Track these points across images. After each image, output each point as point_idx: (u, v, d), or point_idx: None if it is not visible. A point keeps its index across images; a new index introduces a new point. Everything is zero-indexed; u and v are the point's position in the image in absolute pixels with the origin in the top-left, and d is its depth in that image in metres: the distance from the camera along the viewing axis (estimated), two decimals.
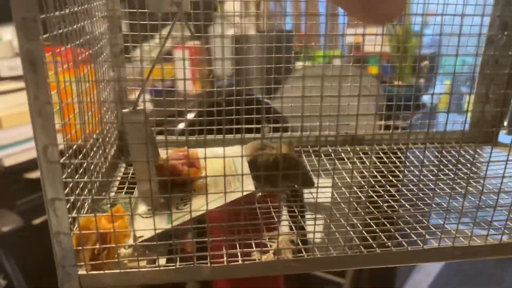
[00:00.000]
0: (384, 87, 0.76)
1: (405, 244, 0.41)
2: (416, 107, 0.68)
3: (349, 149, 0.63)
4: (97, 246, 0.36)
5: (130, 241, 0.39)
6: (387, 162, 0.59)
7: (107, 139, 0.52)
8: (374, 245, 0.41)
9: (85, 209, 0.41)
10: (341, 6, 0.27)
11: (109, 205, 0.46)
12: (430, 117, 0.68)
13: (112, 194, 0.50)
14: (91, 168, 0.43)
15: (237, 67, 0.61)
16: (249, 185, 0.42)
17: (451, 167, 0.58)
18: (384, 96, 0.67)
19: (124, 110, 0.44)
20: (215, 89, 0.60)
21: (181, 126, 0.83)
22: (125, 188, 0.51)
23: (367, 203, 0.47)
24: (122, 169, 0.57)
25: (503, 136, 0.68)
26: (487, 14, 0.60)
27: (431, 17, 0.59)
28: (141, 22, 0.54)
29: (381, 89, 0.85)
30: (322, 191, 0.38)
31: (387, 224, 0.44)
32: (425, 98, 1.04)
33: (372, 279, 1.55)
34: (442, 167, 0.57)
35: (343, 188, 0.52)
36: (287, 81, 0.66)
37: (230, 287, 1.00)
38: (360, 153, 0.62)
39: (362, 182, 0.54)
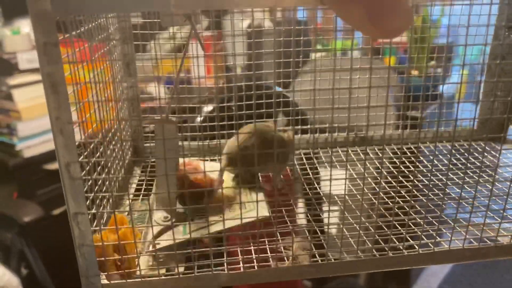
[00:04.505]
0: (402, 78, 0.76)
1: (417, 246, 0.42)
2: (434, 97, 0.68)
3: (359, 150, 0.64)
4: (118, 257, 0.37)
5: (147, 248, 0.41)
6: (397, 163, 0.60)
7: (122, 148, 0.54)
8: (386, 248, 0.42)
9: (104, 219, 0.43)
10: (348, 22, 0.28)
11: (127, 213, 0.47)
12: (446, 110, 0.68)
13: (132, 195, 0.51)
14: (109, 180, 0.44)
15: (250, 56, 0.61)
16: (263, 209, 0.44)
17: (460, 166, 0.58)
18: (402, 87, 0.68)
19: (156, 117, 0.45)
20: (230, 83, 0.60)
21: (199, 119, 0.83)
22: (141, 196, 0.53)
23: (379, 206, 0.48)
24: (137, 176, 0.59)
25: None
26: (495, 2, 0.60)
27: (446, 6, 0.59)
28: (151, 32, 0.56)
29: (397, 79, 0.85)
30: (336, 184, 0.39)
31: (399, 227, 0.45)
32: (442, 88, 1.03)
33: None
34: (451, 166, 0.58)
35: (354, 190, 0.53)
36: (302, 72, 0.66)
37: (249, 285, 1.02)
38: (370, 154, 0.63)
39: (373, 184, 0.55)
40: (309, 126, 0.65)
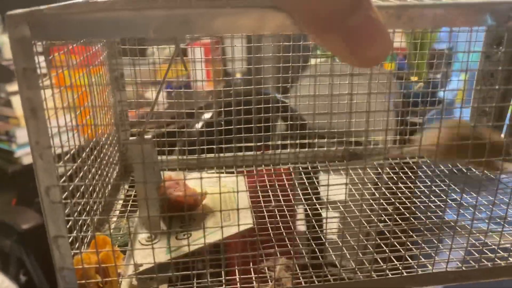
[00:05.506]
0: (401, 84, 0.75)
1: (401, 268, 0.42)
2: (433, 103, 0.68)
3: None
4: (99, 279, 0.37)
5: (129, 269, 0.40)
6: (386, 178, 0.60)
7: (109, 163, 0.53)
8: (370, 269, 0.42)
9: (88, 239, 0.42)
10: (327, 50, 0.28)
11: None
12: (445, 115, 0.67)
13: (114, 218, 0.51)
14: (92, 204, 0.44)
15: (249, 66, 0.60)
16: (247, 218, 0.43)
17: (446, 180, 0.58)
18: (400, 93, 0.67)
19: (130, 138, 0.45)
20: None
21: (198, 126, 0.83)
22: (127, 213, 0.52)
23: (367, 226, 0.48)
24: (124, 191, 0.58)
25: None
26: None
27: None
28: (140, 47, 0.56)
29: (397, 86, 0.85)
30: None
31: (383, 246, 0.45)
32: (441, 94, 1.03)
33: None
34: (436, 179, 0.58)
35: (340, 206, 0.53)
36: (301, 78, 0.66)
37: None
38: (359, 169, 0.63)
39: (360, 200, 0.55)
40: (295, 141, 0.65)
